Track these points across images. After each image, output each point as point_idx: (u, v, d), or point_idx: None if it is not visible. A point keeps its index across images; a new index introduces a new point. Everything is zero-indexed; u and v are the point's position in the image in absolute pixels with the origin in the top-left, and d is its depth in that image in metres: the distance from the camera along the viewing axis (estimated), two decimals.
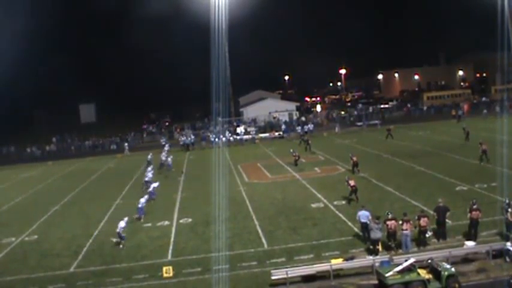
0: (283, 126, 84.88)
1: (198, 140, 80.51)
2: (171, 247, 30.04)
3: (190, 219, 35.12)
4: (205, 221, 34.07)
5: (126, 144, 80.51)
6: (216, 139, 77.58)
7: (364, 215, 27.62)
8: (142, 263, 27.76)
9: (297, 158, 51.74)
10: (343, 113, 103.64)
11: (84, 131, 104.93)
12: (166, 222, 35.01)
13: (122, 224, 31.20)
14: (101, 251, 30.48)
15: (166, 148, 67.70)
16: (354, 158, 45.78)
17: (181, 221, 35.10)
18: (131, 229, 33.78)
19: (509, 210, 25.89)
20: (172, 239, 31.42)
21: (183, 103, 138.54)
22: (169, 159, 57.70)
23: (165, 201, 41.11)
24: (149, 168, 50.51)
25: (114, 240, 31.41)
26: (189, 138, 78.09)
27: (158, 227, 34.17)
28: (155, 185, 42.97)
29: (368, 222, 27.10)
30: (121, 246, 30.70)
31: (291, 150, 54.15)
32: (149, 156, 58.74)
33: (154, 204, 40.26)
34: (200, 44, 71.88)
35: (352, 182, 35.95)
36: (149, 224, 34.87)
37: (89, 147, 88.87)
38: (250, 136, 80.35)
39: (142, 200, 37.14)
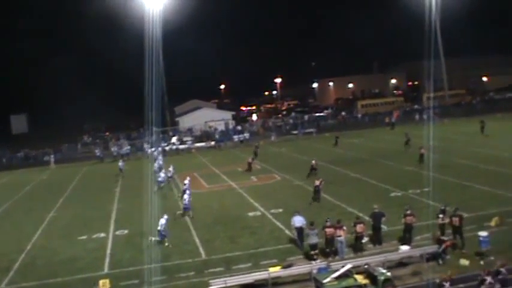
0: (216, 136, 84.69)
1: (134, 150, 79.67)
2: (107, 259, 29.54)
3: (126, 231, 34.63)
4: (141, 232, 33.59)
5: (51, 156, 78.61)
6: (152, 149, 76.73)
7: (298, 220, 28.19)
8: (78, 277, 27.17)
9: (249, 165, 53.02)
10: (286, 120, 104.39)
11: (15, 142, 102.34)
12: (102, 234, 34.42)
13: (162, 221, 30.95)
14: (34, 266, 29.69)
15: (156, 153, 66.69)
16: (313, 162, 47.05)
17: (117, 232, 34.58)
18: (66, 242, 33.17)
19: (441, 216, 26.60)
20: (108, 251, 30.91)
21: (118, 113, 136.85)
22: (156, 164, 56.13)
23: (101, 213, 40.47)
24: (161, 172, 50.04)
25: (153, 239, 30.86)
26: (125, 148, 77.20)
27: (94, 239, 33.57)
28: (186, 181, 42.59)
29: (303, 226, 27.76)
30: (166, 244, 30.50)
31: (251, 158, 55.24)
32: (120, 163, 59.07)
33: (90, 215, 39.63)
34: (135, 53, 71.35)
35: (317, 182, 37.61)
36: (84, 237, 34.20)
37: (21, 159, 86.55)
38: (186, 146, 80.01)
39: (186, 197, 37.16)
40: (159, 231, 30.91)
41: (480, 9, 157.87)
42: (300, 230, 28.04)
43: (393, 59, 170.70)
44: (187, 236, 32.34)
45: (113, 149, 78.61)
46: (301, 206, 35.86)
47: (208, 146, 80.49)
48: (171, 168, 51.26)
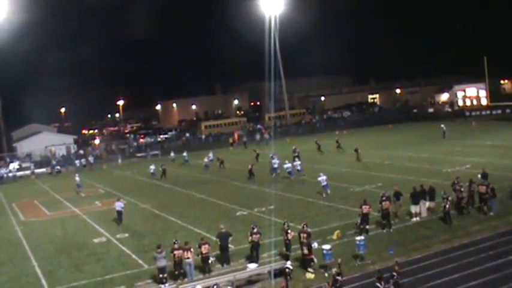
0: (53, 162, 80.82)
1: None
2: None
3: None
4: None
5: None
6: None
7: (118, 205, 37.84)
8: None
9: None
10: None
11: None
12: None
13: (290, 164, 47.83)
14: None
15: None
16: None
17: None
18: None
19: (289, 231, 27.21)
20: None
21: None
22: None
23: None
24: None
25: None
26: None
27: None
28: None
29: (122, 210, 37.32)
30: (292, 177, 46.62)
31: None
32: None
33: None
34: None
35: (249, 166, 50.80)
36: None
37: None
38: (25, 172, 76.32)
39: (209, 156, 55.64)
40: (298, 170, 47.18)
41: (316, 34, 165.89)
42: (119, 213, 37.53)
43: (235, 80, 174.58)
44: (28, 268, 30.63)
45: None
46: (149, 228, 35.61)
47: (49, 171, 77.30)
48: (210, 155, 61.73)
